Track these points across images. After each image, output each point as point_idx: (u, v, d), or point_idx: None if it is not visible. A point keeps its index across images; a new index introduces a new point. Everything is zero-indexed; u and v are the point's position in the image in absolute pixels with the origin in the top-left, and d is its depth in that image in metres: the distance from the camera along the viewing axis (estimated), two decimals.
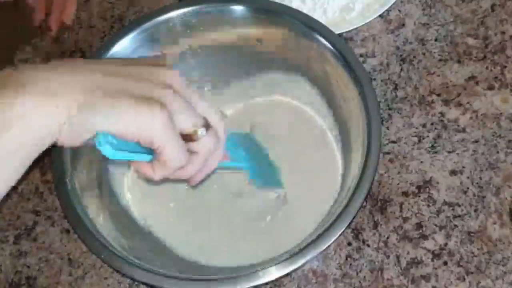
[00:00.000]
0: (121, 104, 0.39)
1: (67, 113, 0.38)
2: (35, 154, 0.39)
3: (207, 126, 0.44)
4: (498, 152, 0.63)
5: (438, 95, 0.66)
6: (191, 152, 0.45)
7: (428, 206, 0.61)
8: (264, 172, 0.62)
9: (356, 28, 0.69)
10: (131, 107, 0.39)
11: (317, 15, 0.70)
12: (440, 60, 0.68)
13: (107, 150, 0.40)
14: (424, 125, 0.65)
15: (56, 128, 0.38)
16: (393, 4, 0.69)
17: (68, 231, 0.64)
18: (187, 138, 0.43)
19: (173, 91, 0.42)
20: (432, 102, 0.66)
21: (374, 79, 0.67)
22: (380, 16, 0.70)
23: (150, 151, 0.43)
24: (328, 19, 0.70)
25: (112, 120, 0.39)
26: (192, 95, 0.44)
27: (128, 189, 0.65)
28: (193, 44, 0.66)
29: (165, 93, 0.41)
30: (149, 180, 0.50)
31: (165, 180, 0.46)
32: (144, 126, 0.40)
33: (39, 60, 0.74)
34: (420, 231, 0.60)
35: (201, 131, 0.44)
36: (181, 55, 0.66)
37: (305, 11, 0.68)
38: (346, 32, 0.69)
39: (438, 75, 0.67)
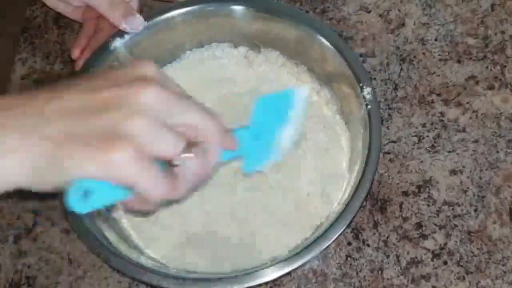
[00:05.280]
0: (82, 150, 0.37)
1: (29, 163, 0.37)
2: None
3: (190, 145, 0.40)
4: (498, 151, 0.63)
5: (438, 94, 0.66)
6: (175, 176, 0.40)
7: (428, 205, 0.61)
8: (261, 149, 0.51)
9: (356, 28, 0.69)
10: (92, 152, 0.37)
11: None
12: (440, 59, 0.68)
13: (77, 207, 0.39)
14: (424, 125, 0.65)
15: (18, 179, 0.38)
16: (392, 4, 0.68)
17: (68, 231, 0.64)
18: (169, 161, 0.40)
19: (144, 113, 0.38)
20: (432, 101, 0.66)
21: (374, 78, 0.67)
22: (380, 15, 0.70)
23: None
24: None
25: (73, 169, 0.37)
26: (174, 101, 0.39)
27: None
28: (193, 42, 0.66)
29: (132, 124, 0.38)
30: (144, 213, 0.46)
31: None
32: (111, 167, 0.37)
33: (38, 61, 0.74)
34: (420, 230, 0.60)
35: (182, 155, 0.40)
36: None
37: None
38: (346, 31, 0.68)
39: (438, 75, 0.67)
